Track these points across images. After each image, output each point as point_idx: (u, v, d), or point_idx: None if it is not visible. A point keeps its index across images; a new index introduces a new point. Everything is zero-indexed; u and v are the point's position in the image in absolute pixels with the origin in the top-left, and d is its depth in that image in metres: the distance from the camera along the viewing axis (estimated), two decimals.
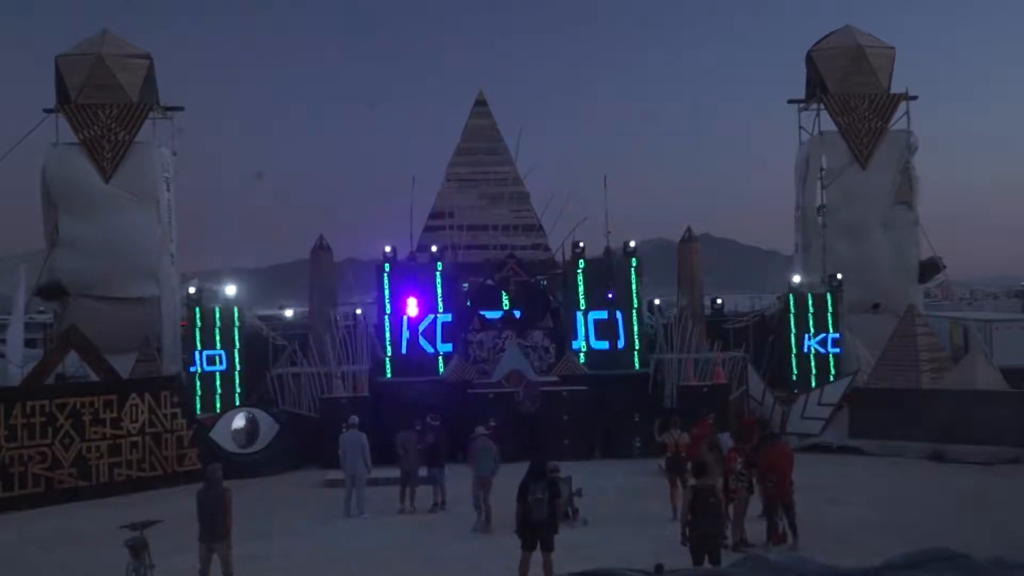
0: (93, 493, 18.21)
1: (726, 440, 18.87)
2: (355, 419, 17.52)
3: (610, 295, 23.55)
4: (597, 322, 23.71)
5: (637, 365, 23.50)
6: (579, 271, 23.87)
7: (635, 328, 23.66)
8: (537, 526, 11.21)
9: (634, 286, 23.80)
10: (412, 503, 16.60)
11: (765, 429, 17.13)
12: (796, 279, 26.61)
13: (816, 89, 28.41)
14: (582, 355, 23.46)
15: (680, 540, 11.15)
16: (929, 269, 27.64)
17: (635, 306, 23.80)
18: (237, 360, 23.03)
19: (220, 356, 22.91)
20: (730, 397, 22.23)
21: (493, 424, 17.50)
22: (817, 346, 24.52)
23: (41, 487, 17.85)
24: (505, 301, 23.80)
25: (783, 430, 20.52)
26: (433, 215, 27.18)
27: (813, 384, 23.50)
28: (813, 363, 24.41)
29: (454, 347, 23.48)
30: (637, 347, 23.70)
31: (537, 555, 11.28)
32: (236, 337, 23.08)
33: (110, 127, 25.60)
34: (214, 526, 11.38)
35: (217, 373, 22.87)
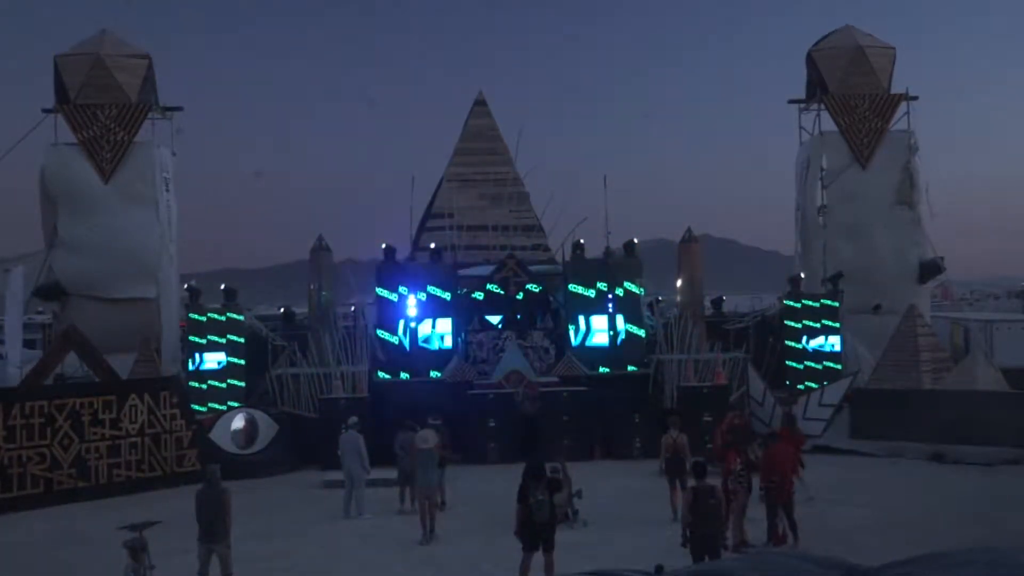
0: (92, 494, 18.17)
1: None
2: (354, 419, 17.53)
3: (610, 298, 23.49)
4: (597, 322, 23.67)
5: (636, 366, 23.44)
6: (579, 271, 23.85)
7: (635, 329, 23.61)
8: (540, 527, 11.19)
9: (634, 286, 23.75)
10: (412, 503, 16.56)
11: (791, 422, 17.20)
12: (802, 275, 26.62)
13: (816, 89, 28.37)
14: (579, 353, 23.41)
15: (681, 541, 11.13)
16: (930, 270, 27.59)
17: (635, 306, 23.75)
18: (236, 360, 22.99)
19: (220, 357, 22.88)
20: (730, 398, 22.20)
21: (438, 421, 16.66)
22: (817, 346, 24.48)
23: (40, 488, 17.82)
24: (505, 302, 23.75)
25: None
26: (433, 215, 27.16)
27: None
28: (813, 363, 24.35)
29: (454, 347, 23.45)
30: (633, 345, 23.62)
31: (538, 556, 11.26)
32: (236, 337, 23.04)
33: (109, 127, 25.55)
34: (213, 527, 11.35)
35: (219, 374, 22.83)
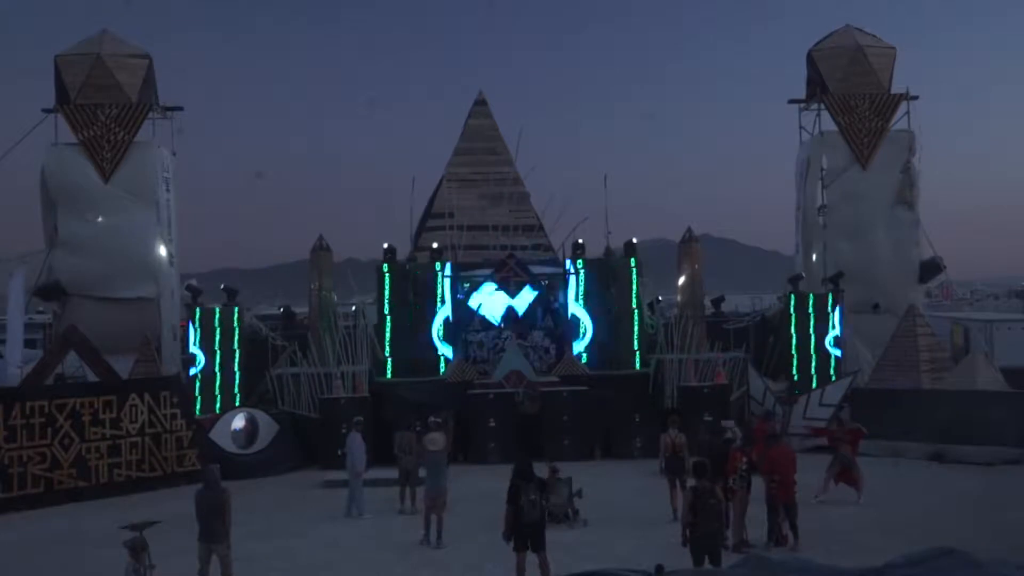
0: (93, 494, 18.18)
1: (729, 425, 19.12)
2: (358, 419, 17.61)
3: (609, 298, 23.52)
4: (596, 322, 23.70)
5: (637, 365, 23.47)
6: (580, 271, 23.85)
7: (635, 328, 23.63)
8: (529, 527, 11.19)
9: (634, 286, 23.77)
10: (412, 503, 16.56)
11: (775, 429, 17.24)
12: (802, 275, 26.65)
13: (816, 89, 28.40)
14: (583, 356, 23.41)
15: (681, 541, 11.13)
16: (930, 269, 27.64)
17: (635, 306, 23.77)
18: (236, 361, 23.01)
19: (220, 356, 22.90)
20: (731, 398, 22.21)
21: (438, 420, 15.86)
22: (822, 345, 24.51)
23: (41, 488, 17.82)
24: (505, 301, 23.73)
25: (784, 431, 20.48)
26: (433, 215, 27.18)
27: (814, 384, 23.50)
28: (814, 363, 24.38)
29: (454, 347, 23.46)
30: (637, 347, 23.65)
31: (532, 556, 11.26)
32: (236, 337, 23.06)
33: (109, 127, 25.59)
34: (213, 527, 11.35)
35: (217, 374, 22.85)
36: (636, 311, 23.74)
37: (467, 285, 23.90)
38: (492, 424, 21.22)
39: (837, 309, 24.47)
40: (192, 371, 22.67)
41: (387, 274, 23.56)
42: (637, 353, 23.60)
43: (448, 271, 23.81)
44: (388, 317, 23.40)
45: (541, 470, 12.45)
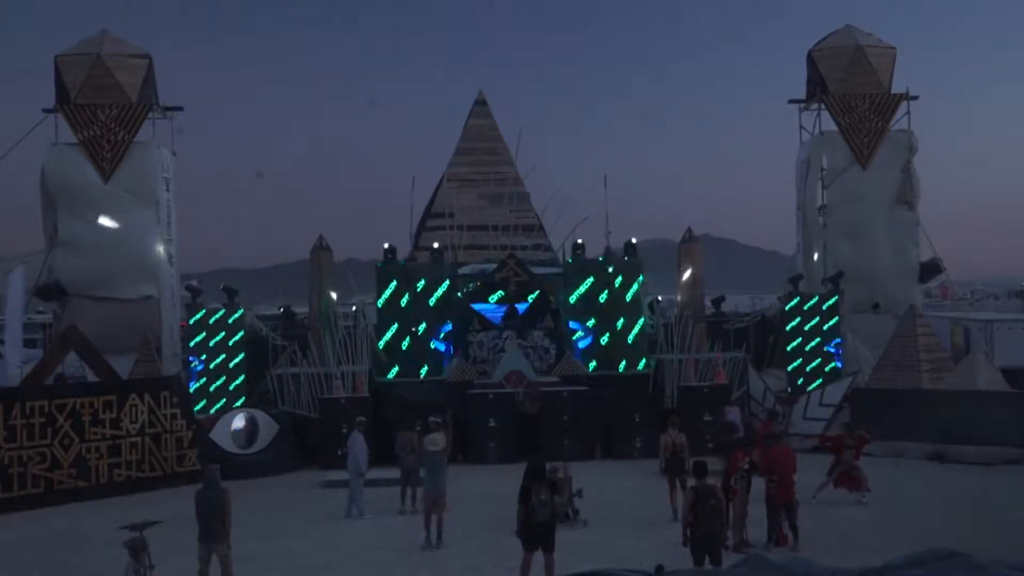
0: (93, 494, 18.18)
1: (734, 415, 19.04)
2: (360, 419, 17.63)
3: (609, 298, 23.49)
4: (597, 322, 23.68)
5: (640, 366, 23.43)
6: (580, 271, 23.85)
7: (635, 328, 23.60)
8: (541, 527, 11.20)
9: (635, 286, 23.75)
10: (413, 503, 16.55)
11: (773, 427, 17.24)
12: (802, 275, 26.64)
13: (817, 89, 28.39)
14: (593, 361, 23.37)
15: (682, 541, 11.14)
16: (930, 270, 27.65)
17: (635, 305, 23.73)
18: (237, 360, 23.00)
19: (220, 357, 22.91)
20: (731, 398, 22.20)
21: (438, 420, 15.55)
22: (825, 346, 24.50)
23: (41, 488, 17.82)
24: (505, 301, 23.72)
25: (785, 430, 20.49)
26: (433, 215, 27.17)
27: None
28: (814, 363, 24.36)
29: (454, 347, 23.45)
30: (635, 346, 23.61)
31: (538, 556, 11.27)
32: (236, 337, 23.05)
33: (109, 127, 25.59)
34: (213, 527, 11.36)
35: (219, 374, 22.85)
36: (636, 311, 23.70)
37: (469, 286, 23.88)
38: (492, 424, 21.23)
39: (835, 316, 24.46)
40: (193, 366, 22.71)
41: (387, 274, 23.53)
42: (640, 354, 23.53)
43: (448, 271, 23.81)
44: (388, 317, 23.38)
45: None
